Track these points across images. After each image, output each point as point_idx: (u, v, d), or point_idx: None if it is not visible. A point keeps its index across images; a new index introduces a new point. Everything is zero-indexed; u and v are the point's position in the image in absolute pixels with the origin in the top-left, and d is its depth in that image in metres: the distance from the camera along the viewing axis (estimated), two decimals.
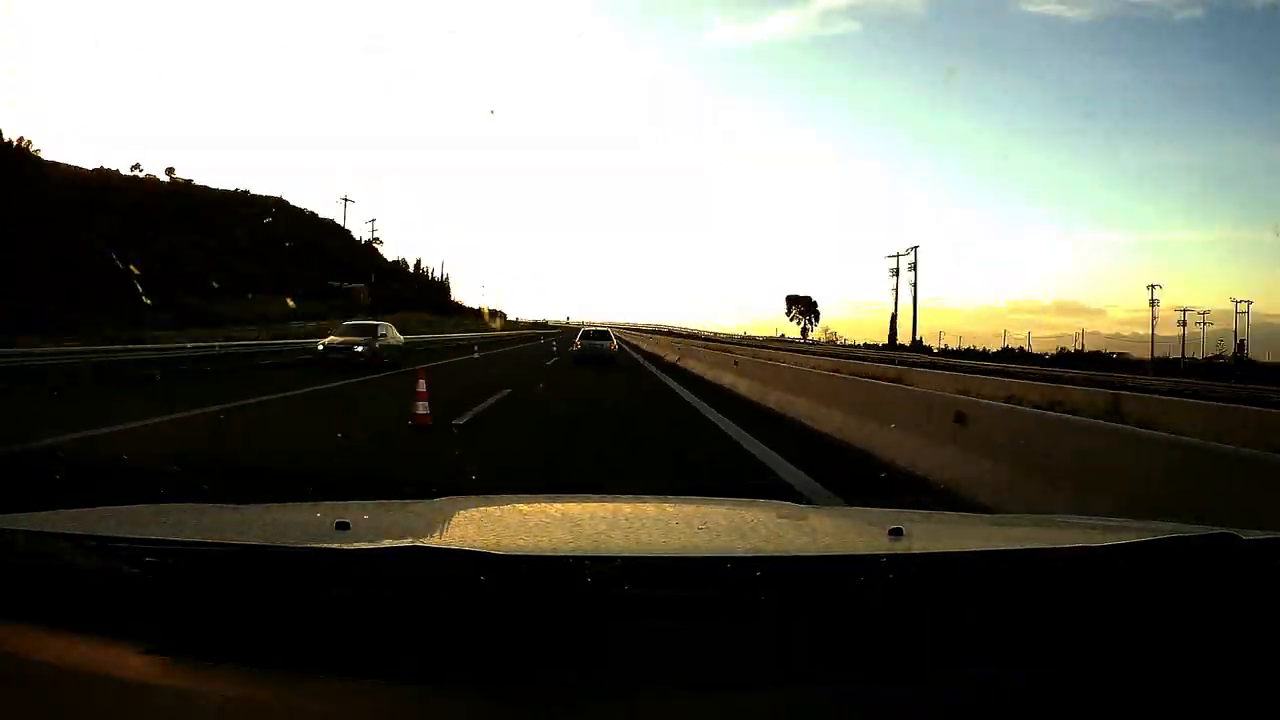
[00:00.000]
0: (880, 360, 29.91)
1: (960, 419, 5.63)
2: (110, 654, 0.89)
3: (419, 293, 60.03)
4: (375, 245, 69.71)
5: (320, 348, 16.72)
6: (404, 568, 0.92)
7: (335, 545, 1.11)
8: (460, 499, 1.85)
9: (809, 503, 4.23)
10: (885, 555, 1.04)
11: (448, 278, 75.53)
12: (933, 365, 26.45)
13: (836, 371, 12.49)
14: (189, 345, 16.35)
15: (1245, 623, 0.98)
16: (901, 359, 32.08)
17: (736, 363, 11.51)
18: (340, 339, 16.78)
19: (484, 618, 0.89)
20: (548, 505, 1.69)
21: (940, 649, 0.92)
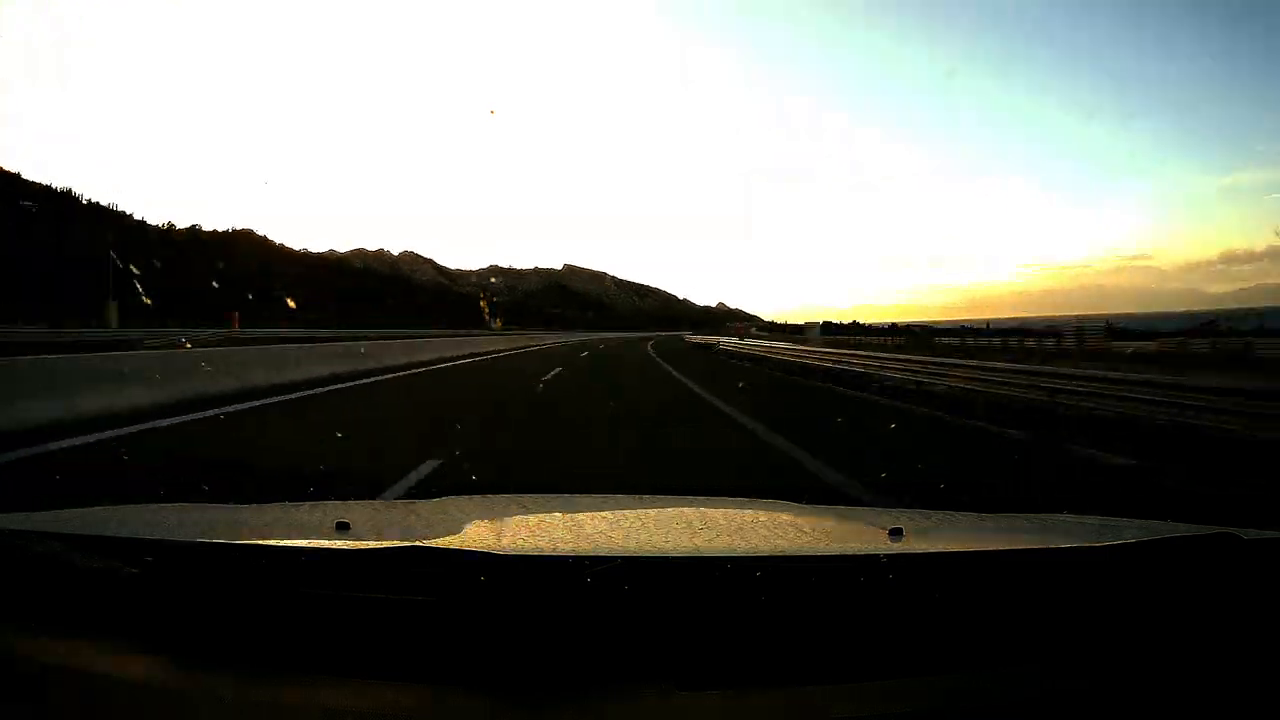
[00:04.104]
0: None
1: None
2: (110, 654, 0.89)
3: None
4: None
5: None
6: (404, 568, 0.92)
7: (335, 545, 1.11)
8: (460, 499, 1.84)
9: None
10: (885, 555, 1.04)
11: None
12: None
13: None
14: None
15: (1247, 622, 0.98)
16: None
17: None
18: None
19: (484, 618, 0.89)
20: (548, 505, 1.69)
21: (940, 649, 0.92)
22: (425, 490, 3.89)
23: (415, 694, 0.84)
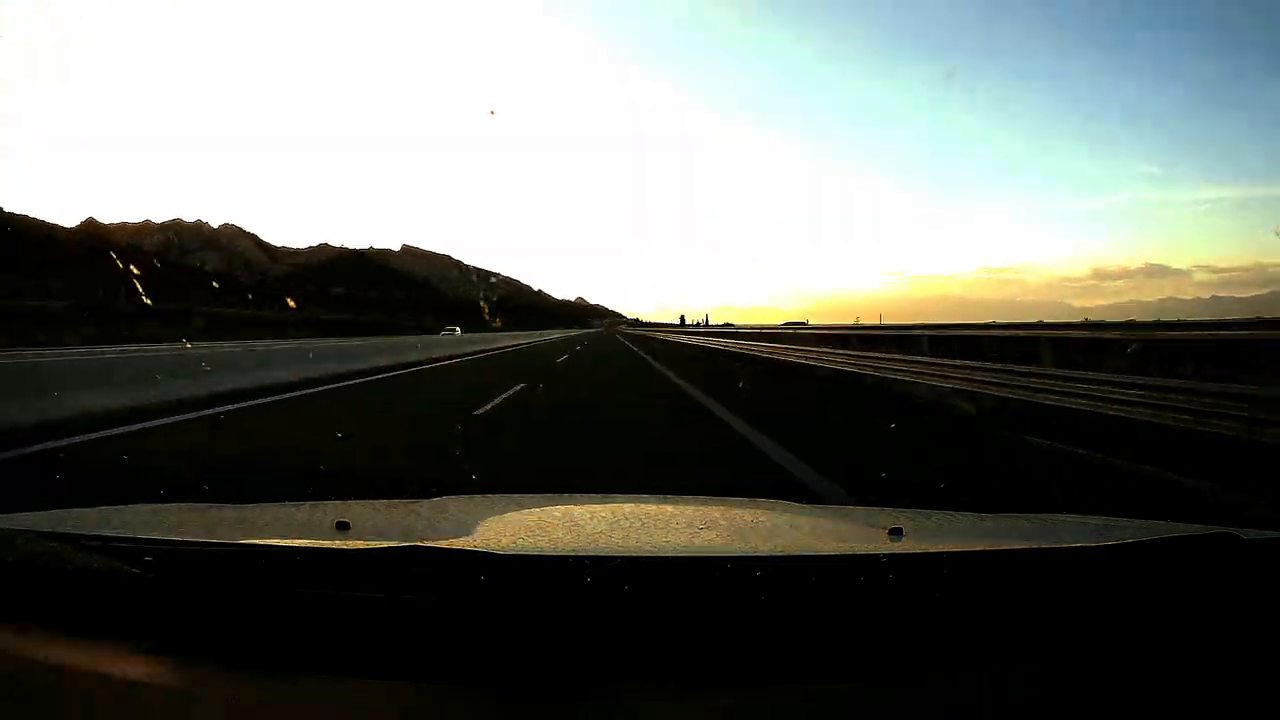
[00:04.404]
0: None
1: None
2: (110, 654, 0.89)
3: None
4: None
5: None
6: (404, 568, 0.92)
7: (335, 545, 1.11)
8: (460, 499, 1.84)
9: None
10: (885, 555, 1.04)
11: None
12: None
13: None
14: None
15: (1246, 622, 0.98)
16: None
17: None
18: None
19: (484, 618, 0.89)
20: (548, 505, 1.68)
21: (940, 649, 0.92)
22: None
23: (415, 694, 0.84)
